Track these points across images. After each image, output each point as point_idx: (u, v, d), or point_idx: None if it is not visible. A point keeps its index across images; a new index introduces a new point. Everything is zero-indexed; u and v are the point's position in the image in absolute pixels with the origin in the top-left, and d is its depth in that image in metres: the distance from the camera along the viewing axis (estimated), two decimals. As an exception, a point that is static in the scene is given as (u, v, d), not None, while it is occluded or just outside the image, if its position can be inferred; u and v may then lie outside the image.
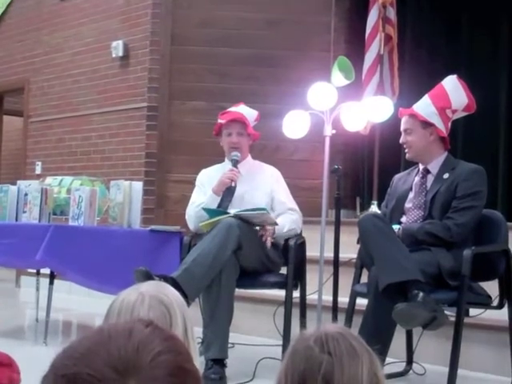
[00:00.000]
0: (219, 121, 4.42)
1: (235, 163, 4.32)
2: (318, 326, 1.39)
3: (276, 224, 4.12)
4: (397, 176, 4.14)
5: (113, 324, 0.96)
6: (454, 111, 3.91)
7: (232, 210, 4.22)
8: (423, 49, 6.47)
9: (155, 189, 6.82)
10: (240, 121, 4.36)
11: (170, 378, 0.86)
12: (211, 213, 4.11)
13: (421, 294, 3.31)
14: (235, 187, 4.26)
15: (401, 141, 3.96)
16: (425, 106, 3.88)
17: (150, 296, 1.53)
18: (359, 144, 6.56)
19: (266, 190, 4.31)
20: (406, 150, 3.95)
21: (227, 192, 4.26)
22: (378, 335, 3.44)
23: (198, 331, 4.11)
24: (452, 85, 3.91)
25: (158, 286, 1.61)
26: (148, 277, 3.66)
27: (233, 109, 4.50)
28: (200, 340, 4.05)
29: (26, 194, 5.00)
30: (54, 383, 0.86)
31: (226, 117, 4.39)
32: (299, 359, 1.32)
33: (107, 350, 0.86)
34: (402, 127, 3.95)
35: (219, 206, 4.24)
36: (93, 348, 0.87)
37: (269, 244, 4.09)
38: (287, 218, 4.27)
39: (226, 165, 4.41)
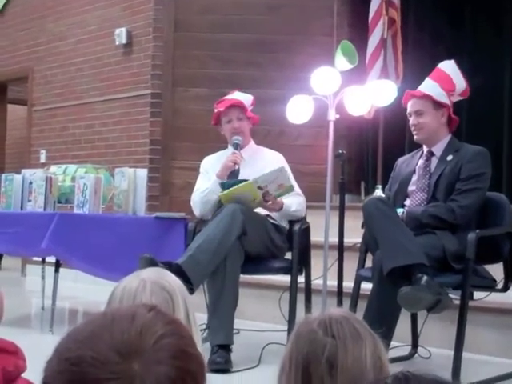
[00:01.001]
0: (216, 110, 4.41)
1: (237, 147, 4.32)
2: (322, 311, 1.40)
3: (292, 188, 4.13)
4: (400, 159, 4.13)
5: (116, 308, 0.96)
6: (452, 95, 3.90)
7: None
8: (426, 32, 6.43)
9: (160, 176, 6.82)
10: (238, 105, 4.36)
11: (173, 361, 0.86)
12: (228, 185, 4.10)
13: (425, 278, 3.31)
14: (239, 170, 4.25)
15: (411, 123, 3.91)
16: (433, 88, 3.85)
17: (152, 282, 1.54)
18: (363, 128, 6.54)
19: None
20: (416, 132, 3.88)
21: (231, 177, 4.26)
22: (382, 319, 3.45)
23: (202, 317, 4.13)
24: (452, 69, 3.89)
25: (159, 273, 1.61)
26: (153, 264, 3.66)
27: (228, 96, 4.49)
28: (205, 326, 4.07)
29: (30, 183, 5.01)
30: (57, 367, 0.86)
31: (223, 104, 4.38)
32: (303, 342, 1.33)
33: (110, 334, 0.87)
34: (412, 109, 3.88)
35: (223, 190, 4.24)
36: (96, 331, 0.88)
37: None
38: (294, 199, 4.28)
39: (229, 151, 4.40)
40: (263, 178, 4.04)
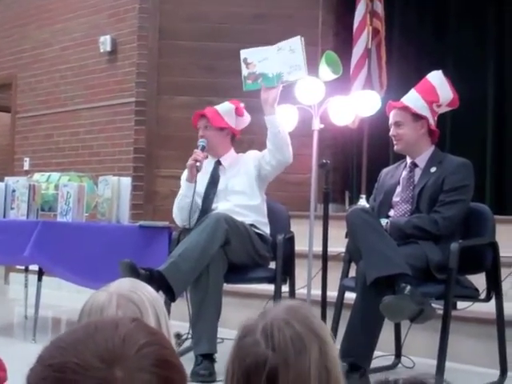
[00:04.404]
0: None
1: (202, 148, 4.30)
2: (265, 311, 1.35)
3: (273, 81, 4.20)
4: (384, 170, 4.15)
5: (99, 319, 0.97)
6: (439, 106, 3.92)
7: (219, 204, 4.24)
8: (411, 43, 6.48)
9: (144, 184, 6.81)
10: (203, 115, 4.39)
11: (155, 369, 0.87)
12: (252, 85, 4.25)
13: (408, 288, 3.32)
14: (219, 176, 4.28)
15: (391, 133, 3.95)
16: (414, 100, 3.88)
17: (118, 295, 1.52)
18: (348, 138, 6.57)
19: (247, 171, 4.32)
20: (395, 142, 3.94)
21: (211, 186, 4.28)
22: (366, 329, 3.47)
23: (185, 326, 4.12)
24: (439, 80, 3.92)
25: (129, 284, 1.59)
26: (133, 269, 3.66)
27: (209, 107, 4.51)
28: (189, 336, 4.05)
29: (13, 191, 4.98)
30: (41, 374, 0.87)
31: (195, 115, 4.46)
32: (245, 355, 1.28)
33: (94, 341, 0.88)
34: (392, 120, 3.93)
35: (204, 199, 4.25)
36: (80, 339, 0.89)
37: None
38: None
39: (208, 161, 4.39)
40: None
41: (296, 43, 4.19)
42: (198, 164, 4.22)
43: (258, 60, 4.24)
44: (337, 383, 1.30)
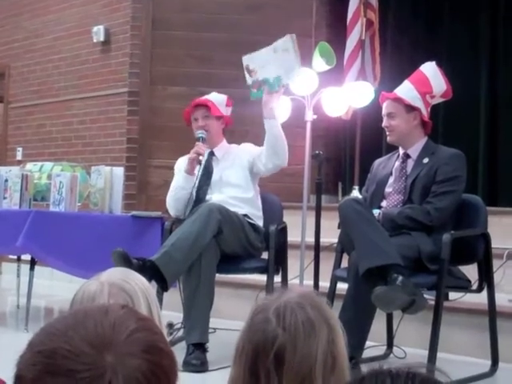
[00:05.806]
0: (186, 110, 4.44)
1: (202, 140, 4.30)
2: (280, 293, 1.37)
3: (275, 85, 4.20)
4: (377, 161, 4.15)
5: (89, 306, 0.97)
6: (432, 97, 3.92)
7: (213, 195, 4.23)
8: (405, 35, 6.47)
9: (136, 174, 6.81)
10: (203, 104, 4.37)
11: (144, 355, 0.87)
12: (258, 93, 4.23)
13: (400, 278, 3.33)
14: (212, 166, 4.27)
15: (383, 124, 3.95)
16: (408, 91, 3.89)
17: (110, 284, 1.53)
18: (341, 129, 6.57)
19: (241, 163, 4.31)
20: (388, 134, 3.94)
21: (205, 177, 4.27)
22: (358, 319, 3.48)
23: (178, 316, 4.12)
24: (432, 71, 3.92)
25: (121, 273, 1.60)
26: (125, 258, 3.67)
27: (204, 97, 4.49)
28: (182, 325, 4.06)
29: (6, 180, 4.97)
30: (30, 360, 0.87)
31: (191, 104, 4.42)
32: (255, 332, 1.31)
33: (84, 327, 0.88)
34: (385, 111, 3.93)
35: (198, 190, 4.25)
36: (70, 325, 0.89)
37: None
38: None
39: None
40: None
41: (287, 42, 4.18)
42: (200, 158, 4.21)
43: (259, 66, 4.23)
44: (341, 371, 1.32)
